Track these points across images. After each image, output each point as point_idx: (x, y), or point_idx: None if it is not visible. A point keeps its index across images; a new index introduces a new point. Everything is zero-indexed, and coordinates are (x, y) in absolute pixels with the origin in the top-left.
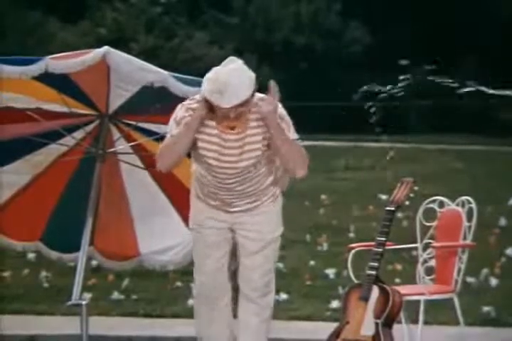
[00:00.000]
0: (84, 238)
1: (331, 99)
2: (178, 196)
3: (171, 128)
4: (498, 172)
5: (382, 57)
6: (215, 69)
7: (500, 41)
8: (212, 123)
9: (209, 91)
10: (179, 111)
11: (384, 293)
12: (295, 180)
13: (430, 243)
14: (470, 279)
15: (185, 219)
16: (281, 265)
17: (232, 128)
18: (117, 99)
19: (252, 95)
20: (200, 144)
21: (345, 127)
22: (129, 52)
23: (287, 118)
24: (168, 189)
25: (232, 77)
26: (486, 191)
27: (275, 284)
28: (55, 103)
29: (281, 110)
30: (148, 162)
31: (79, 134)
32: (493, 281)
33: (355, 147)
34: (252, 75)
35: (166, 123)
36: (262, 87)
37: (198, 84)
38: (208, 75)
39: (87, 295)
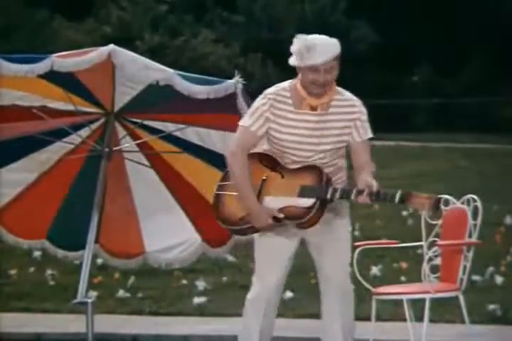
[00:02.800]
0: (89, 236)
1: None
2: (184, 194)
3: (246, 117)
4: (504, 171)
5: (388, 55)
6: (299, 35)
7: (510, 38)
8: (290, 107)
9: (297, 53)
10: (257, 100)
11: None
12: None
13: (435, 241)
14: (475, 277)
15: (191, 217)
16: None
17: (314, 109)
18: (123, 97)
19: (339, 58)
20: (279, 128)
21: None
22: (134, 50)
23: (365, 117)
24: (173, 187)
25: (318, 38)
26: (492, 189)
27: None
28: (61, 101)
29: (365, 112)
30: (154, 160)
31: (84, 132)
32: (499, 279)
33: None
34: (338, 43)
35: (171, 121)
36: (267, 85)
37: (204, 82)
38: (294, 40)
39: (93, 293)
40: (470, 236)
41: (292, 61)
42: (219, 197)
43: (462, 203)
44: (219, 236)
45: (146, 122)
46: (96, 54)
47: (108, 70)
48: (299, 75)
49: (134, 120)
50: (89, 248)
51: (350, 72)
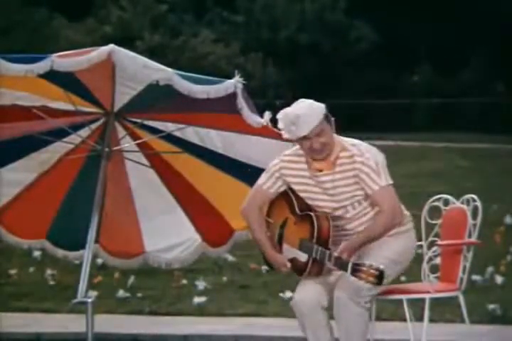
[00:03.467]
0: (89, 236)
1: (338, 97)
2: (184, 194)
3: (263, 175)
4: (504, 170)
5: (388, 55)
6: (281, 111)
7: (510, 39)
8: (304, 166)
9: (285, 128)
10: (274, 160)
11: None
12: None
13: (435, 241)
14: (475, 277)
15: (191, 217)
16: None
17: (321, 170)
18: (122, 97)
19: (329, 123)
20: (294, 186)
21: (350, 125)
22: (134, 50)
23: (374, 166)
24: (174, 187)
25: (299, 109)
26: (491, 189)
27: (282, 282)
28: (61, 101)
29: (369, 162)
30: (154, 160)
31: (84, 132)
32: (499, 279)
33: None
34: (321, 105)
35: (171, 120)
36: (268, 85)
37: (204, 82)
38: (278, 116)
39: (93, 293)
40: (470, 236)
41: (285, 136)
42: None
43: (462, 203)
44: (219, 236)
45: (146, 122)
46: (96, 54)
47: (108, 70)
48: None
49: (134, 120)
50: (89, 248)
51: (350, 71)
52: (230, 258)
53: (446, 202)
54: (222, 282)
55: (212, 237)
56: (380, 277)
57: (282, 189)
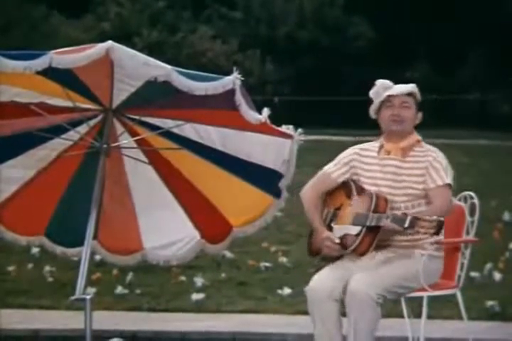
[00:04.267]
0: (88, 232)
1: (337, 94)
2: (183, 190)
3: (331, 163)
4: (503, 167)
5: (386, 52)
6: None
7: (510, 33)
8: (375, 154)
9: (375, 93)
10: (346, 150)
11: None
12: (300, 172)
13: None
14: (474, 274)
15: (190, 213)
16: (285, 259)
17: (389, 153)
18: (121, 93)
19: (417, 109)
20: (361, 173)
21: (351, 121)
22: (132, 47)
23: (445, 166)
24: (172, 184)
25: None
26: (490, 185)
27: (280, 278)
28: (59, 97)
29: (442, 160)
30: (152, 157)
31: (83, 129)
32: (497, 276)
33: (363, 141)
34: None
35: (169, 117)
36: (266, 82)
37: (202, 79)
38: (372, 90)
39: (91, 290)
40: (467, 233)
41: (372, 111)
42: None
43: (459, 200)
44: (217, 233)
45: (144, 119)
46: (94, 50)
47: (106, 67)
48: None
49: (133, 116)
50: (88, 244)
51: (348, 68)
52: (229, 254)
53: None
54: (221, 279)
55: (211, 234)
56: (438, 227)
57: (345, 179)
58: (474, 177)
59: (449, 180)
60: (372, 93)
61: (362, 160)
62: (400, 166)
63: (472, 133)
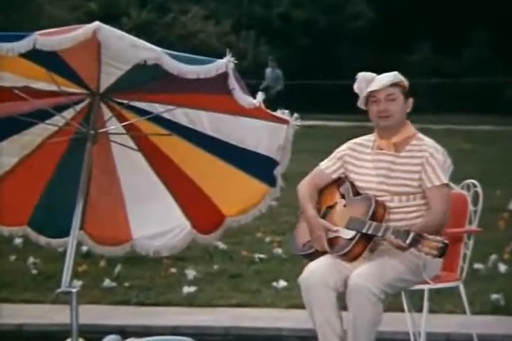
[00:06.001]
0: (74, 222)
1: (335, 77)
2: (173, 178)
3: (326, 159)
4: (508, 154)
5: (386, 32)
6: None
7: None
8: (369, 150)
9: (358, 88)
10: (342, 145)
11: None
12: (296, 160)
13: None
14: (478, 266)
15: (180, 202)
16: (280, 251)
17: (382, 149)
18: (108, 77)
19: (405, 98)
20: (353, 169)
21: (348, 106)
22: (120, 28)
23: (442, 162)
24: (162, 172)
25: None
26: (495, 173)
27: (275, 270)
28: (44, 81)
29: (439, 156)
30: (141, 143)
31: (68, 114)
32: (502, 267)
33: (360, 127)
34: (402, 77)
35: (159, 102)
36: (262, 64)
37: (194, 62)
38: (355, 85)
39: (77, 283)
40: (470, 223)
41: (360, 105)
42: (295, 229)
43: (462, 188)
44: (209, 223)
45: (133, 103)
46: (80, 32)
47: (93, 49)
48: None
49: (121, 101)
50: (74, 235)
51: (346, 49)
52: (221, 245)
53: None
54: (213, 271)
55: (203, 224)
56: (442, 250)
57: (340, 174)
58: (477, 165)
59: (446, 178)
60: (355, 88)
61: (355, 155)
62: (394, 162)
63: (475, 119)
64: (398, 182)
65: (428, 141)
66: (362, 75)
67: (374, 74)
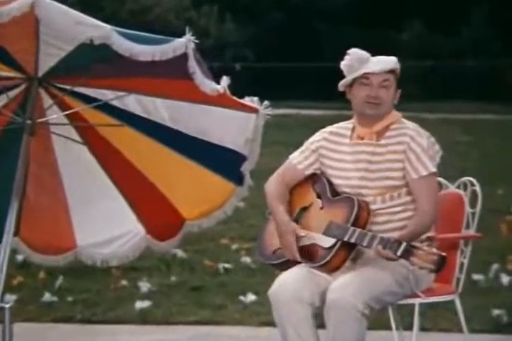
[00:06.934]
0: (7, 227)
1: (311, 59)
2: (125, 176)
3: (298, 152)
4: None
5: (374, 9)
6: (348, 55)
7: None
8: (347, 140)
9: (346, 65)
10: (315, 134)
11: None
12: (267, 154)
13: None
14: (477, 276)
15: (133, 204)
16: (248, 259)
17: (363, 139)
18: (49, 59)
19: (396, 88)
20: (330, 163)
21: (327, 92)
22: (63, 2)
23: (426, 146)
24: (111, 168)
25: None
26: (496, 170)
27: (243, 282)
28: None
29: (422, 140)
30: (87, 135)
31: (0, 101)
32: (505, 279)
33: (340, 116)
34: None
35: (108, 87)
36: (225, 45)
37: (148, 41)
38: (343, 61)
39: (11, 297)
40: (468, 227)
41: (342, 86)
42: (262, 233)
43: (458, 187)
44: (166, 227)
45: (77, 89)
46: (16, 5)
47: (30, 26)
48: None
49: (63, 86)
50: (7, 241)
51: (326, 29)
52: (180, 254)
53: (440, 186)
54: (171, 283)
55: (158, 228)
56: (440, 263)
57: (315, 170)
58: (477, 160)
59: (433, 166)
60: (344, 65)
61: (332, 147)
62: (374, 152)
63: (474, 106)
64: (379, 175)
65: (409, 124)
66: (355, 52)
67: (370, 56)
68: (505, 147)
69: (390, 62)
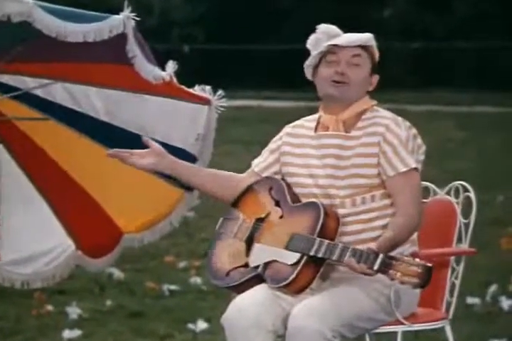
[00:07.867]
0: None
1: (273, 41)
2: (50, 181)
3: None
4: None
5: None
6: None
7: None
8: (312, 133)
9: (313, 39)
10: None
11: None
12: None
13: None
14: (471, 300)
15: (60, 213)
16: (198, 280)
17: (328, 129)
18: None
19: (371, 72)
20: (293, 160)
21: (294, 80)
22: None
23: (404, 137)
24: (34, 171)
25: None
26: (496, 172)
27: (192, 307)
28: None
29: (399, 130)
30: (4, 130)
31: None
32: (505, 303)
33: (310, 108)
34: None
35: (30, 74)
36: (171, 23)
37: (78, 19)
38: (310, 38)
39: None
40: (460, 240)
41: (307, 69)
42: (212, 249)
43: (448, 193)
44: (100, 242)
45: None
46: None
47: None
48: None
49: None
50: None
51: (294, 4)
52: (117, 273)
53: (427, 192)
54: (105, 308)
55: (91, 243)
56: (425, 276)
57: (273, 173)
58: (472, 160)
59: (413, 161)
60: (310, 42)
61: (294, 142)
62: (343, 145)
63: (470, 96)
64: (349, 172)
65: (385, 112)
66: (324, 27)
67: (341, 32)
68: (507, 145)
69: (363, 36)
